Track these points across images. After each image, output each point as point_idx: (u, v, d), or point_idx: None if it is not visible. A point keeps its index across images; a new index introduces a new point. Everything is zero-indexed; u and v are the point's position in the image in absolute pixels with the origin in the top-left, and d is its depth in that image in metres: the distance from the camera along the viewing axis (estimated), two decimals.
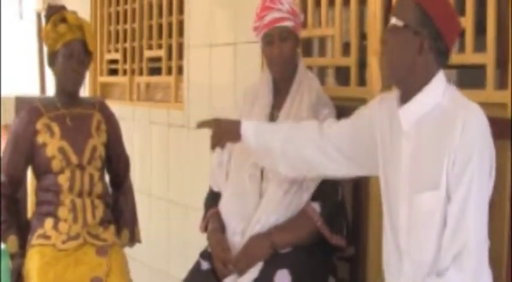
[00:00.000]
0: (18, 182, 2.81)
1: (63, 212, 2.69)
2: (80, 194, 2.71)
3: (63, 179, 2.70)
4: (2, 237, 2.66)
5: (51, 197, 2.71)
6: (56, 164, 2.70)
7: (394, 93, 1.99)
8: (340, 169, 2.20)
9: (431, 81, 1.88)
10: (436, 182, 1.82)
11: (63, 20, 2.72)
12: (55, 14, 2.74)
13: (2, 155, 2.80)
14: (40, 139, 2.73)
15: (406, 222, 1.90)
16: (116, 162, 2.96)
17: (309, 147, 2.19)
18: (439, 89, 1.88)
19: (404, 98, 1.92)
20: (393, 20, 1.89)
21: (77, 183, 2.71)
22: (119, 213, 2.94)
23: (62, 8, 2.81)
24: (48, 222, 2.69)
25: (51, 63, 2.77)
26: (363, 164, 2.14)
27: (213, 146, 2.30)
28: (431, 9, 1.87)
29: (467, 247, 1.77)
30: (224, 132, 2.28)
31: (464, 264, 1.77)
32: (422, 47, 1.87)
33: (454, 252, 1.78)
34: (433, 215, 1.83)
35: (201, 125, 2.30)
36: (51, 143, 2.72)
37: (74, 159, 2.71)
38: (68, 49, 2.71)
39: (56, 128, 2.74)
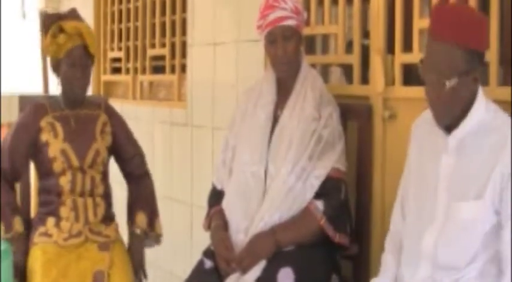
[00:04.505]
0: (19, 171, 2.79)
1: (64, 211, 2.69)
2: (82, 194, 2.72)
3: (64, 181, 2.70)
4: (8, 219, 2.64)
5: (53, 198, 2.72)
6: (57, 166, 2.70)
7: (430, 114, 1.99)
8: None
9: (475, 101, 1.88)
10: (480, 192, 1.83)
11: (62, 30, 2.70)
12: (52, 25, 2.71)
13: (2, 143, 2.77)
14: (43, 137, 2.72)
15: (439, 229, 1.90)
16: (129, 160, 2.90)
17: None
18: (482, 106, 1.89)
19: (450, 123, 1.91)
20: (444, 77, 1.82)
21: (78, 185, 2.71)
22: (134, 200, 2.85)
23: (58, 17, 2.77)
24: (50, 220, 2.70)
25: (56, 69, 2.76)
26: None
27: None
28: (477, 44, 1.85)
29: None
30: None
31: None
32: (476, 79, 1.86)
33: None
34: (474, 224, 1.84)
35: None
36: (54, 143, 2.71)
37: (75, 162, 2.71)
38: (70, 57, 2.69)
39: (60, 129, 2.73)
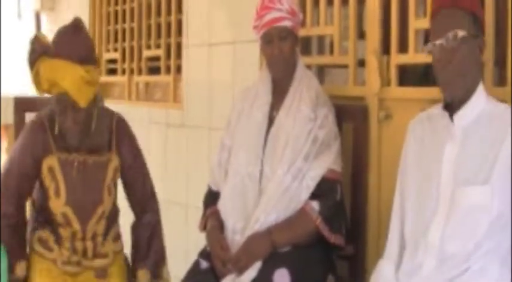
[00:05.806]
0: (24, 207, 2.55)
1: (62, 247, 2.53)
2: (82, 240, 2.53)
3: (64, 234, 2.50)
4: (10, 262, 2.43)
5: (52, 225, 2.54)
6: (58, 219, 2.49)
7: (431, 108, 2.04)
8: None
9: (479, 85, 1.94)
10: (486, 176, 1.85)
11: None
12: (36, 62, 2.37)
13: (4, 174, 2.49)
14: (46, 181, 2.47)
15: (444, 218, 1.91)
16: (136, 201, 2.67)
17: None
18: (483, 94, 1.94)
19: (454, 106, 1.95)
20: (453, 32, 1.89)
21: (78, 242, 2.52)
22: (138, 247, 2.63)
23: (42, 51, 2.36)
24: (50, 237, 2.54)
25: None
26: None
27: None
28: (480, 13, 1.95)
29: None
30: None
31: None
32: (482, 49, 1.93)
33: None
34: (480, 209, 1.85)
35: None
36: (55, 202, 2.47)
37: (77, 229, 2.49)
38: (59, 104, 2.38)
39: (63, 187, 2.46)
